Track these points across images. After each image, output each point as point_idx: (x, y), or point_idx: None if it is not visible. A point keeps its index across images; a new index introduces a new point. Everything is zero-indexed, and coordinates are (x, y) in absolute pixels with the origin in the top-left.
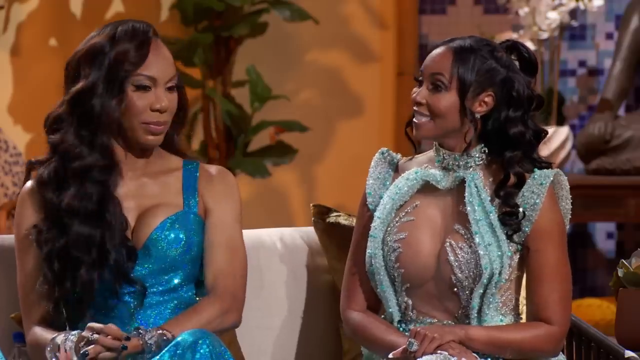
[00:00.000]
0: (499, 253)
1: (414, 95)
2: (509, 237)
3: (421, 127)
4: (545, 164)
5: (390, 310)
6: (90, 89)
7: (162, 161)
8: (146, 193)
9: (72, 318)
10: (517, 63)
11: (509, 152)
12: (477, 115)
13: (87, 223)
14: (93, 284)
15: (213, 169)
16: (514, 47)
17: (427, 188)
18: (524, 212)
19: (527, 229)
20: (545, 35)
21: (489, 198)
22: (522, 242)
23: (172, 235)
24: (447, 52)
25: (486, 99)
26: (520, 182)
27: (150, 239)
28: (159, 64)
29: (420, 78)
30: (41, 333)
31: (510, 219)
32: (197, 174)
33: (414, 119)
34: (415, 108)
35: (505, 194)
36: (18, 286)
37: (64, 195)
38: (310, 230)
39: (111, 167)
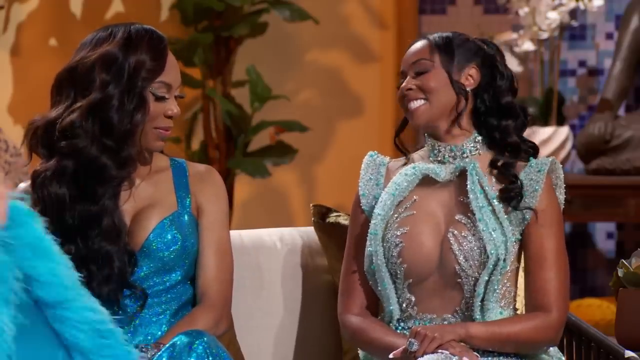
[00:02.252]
0: (504, 239)
1: (401, 87)
2: (515, 207)
3: (418, 111)
4: (531, 143)
5: (391, 307)
6: (109, 100)
7: (151, 161)
8: (139, 194)
9: None
10: None
11: (504, 121)
12: (468, 89)
13: (107, 239)
14: (102, 297)
15: (201, 167)
16: (483, 41)
17: (424, 182)
18: (522, 184)
19: (527, 215)
20: (545, 35)
21: (490, 186)
22: (522, 230)
23: (169, 237)
24: (423, 42)
25: (471, 72)
26: (516, 152)
27: (147, 241)
28: (174, 72)
29: (401, 77)
30: None
31: (512, 188)
32: (187, 173)
33: (408, 107)
34: (405, 98)
35: (504, 164)
36: None
37: (82, 203)
38: (310, 230)
39: (129, 179)
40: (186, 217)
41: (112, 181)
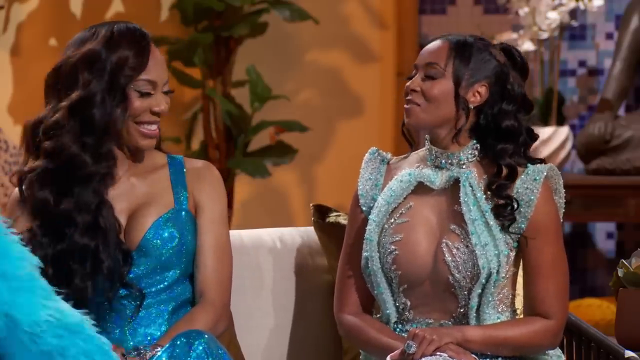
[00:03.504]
0: (496, 252)
1: (408, 84)
2: (505, 229)
3: (413, 113)
4: (539, 161)
5: (388, 311)
6: (91, 97)
7: (147, 159)
8: (136, 193)
9: None
10: None
11: (501, 144)
12: (471, 106)
13: (85, 234)
14: (87, 292)
15: (199, 163)
16: (506, 50)
17: (420, 188)
18: (518, 202)
19: (522, 225)
20: (545, 35)
21: (484, 196)
22: (518, 238)
23: (166, 234)
24: (442, 43)
25: (480, 90)
26: (512, 175)
27: (144, 239)
28: (158, 68)
29: (414, 72)
30: None
31: (504, 210)
32: (184, 169)
33: (405, 108)
34: (408, 97)
35: (498, 186)
36: None
37: (63, 202)
38: (310, 230)
39: (111, 175)
40: (183, 215)
41: (91, 177)
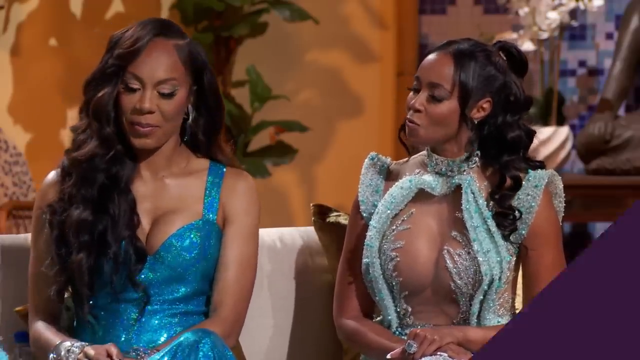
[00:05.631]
0: (498, 259)
1: (412, 102)
2: (506, 238)
3: (418, 135)
4: (539, 163)
5: (389, 317)
6: (91, 79)
7: (186, 162)
8: (165, 196)
9: (76, 314)
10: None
11: (506, 156)
12: (475, 121)
13: (84, 208)
14: (81, 267)
15: (237, 174)
16: (504, 47)
17: (421, 195)
18: (520, 212)
19: (523, 231)
20: (545, 35)
21: (485, 203)
22: (518, 243)
23: (187, 242)
24: (446, 59)
25: (484, 105)
26: (517, 186)
27: (164, 246)
28: (150, 65)
29: (415, 84)
30: (44, 330)
31: (505, 219)
32: (222, 180)
33: (408, 125)
34: (410, 115)
35: (501, 197)
36: (29, 270)
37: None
38: (310, 230)
39: (115, 159)
40: (209, 227)
41: (93, 156)
